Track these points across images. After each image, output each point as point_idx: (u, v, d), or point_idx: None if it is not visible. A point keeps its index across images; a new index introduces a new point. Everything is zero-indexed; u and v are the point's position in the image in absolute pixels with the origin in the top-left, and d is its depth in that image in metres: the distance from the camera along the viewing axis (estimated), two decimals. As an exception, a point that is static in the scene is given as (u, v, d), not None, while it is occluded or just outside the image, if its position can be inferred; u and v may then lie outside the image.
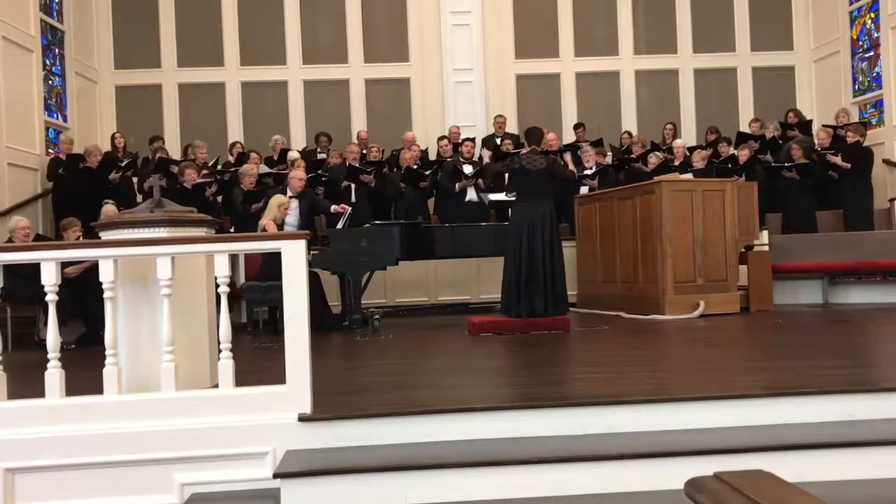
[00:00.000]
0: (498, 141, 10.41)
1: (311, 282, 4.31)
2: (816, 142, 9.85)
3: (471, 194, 9.38)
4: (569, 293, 8.77)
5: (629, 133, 11.00)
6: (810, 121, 10.76)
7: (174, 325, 3.49)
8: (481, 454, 3.21)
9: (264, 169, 9.60)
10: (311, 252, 7.15)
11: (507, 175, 8.51)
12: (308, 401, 3.43)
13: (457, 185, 9.34)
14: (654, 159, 9.70)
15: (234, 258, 6.52)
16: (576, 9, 12.02)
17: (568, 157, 9.93)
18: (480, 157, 10.03)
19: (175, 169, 8.90)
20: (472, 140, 10.01)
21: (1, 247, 3.89)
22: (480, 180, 9.35)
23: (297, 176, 8.16)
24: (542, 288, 6.61)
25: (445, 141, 10.24)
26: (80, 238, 6.98)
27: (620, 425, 3.41)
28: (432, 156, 10.36)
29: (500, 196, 8.69)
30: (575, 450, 3.22)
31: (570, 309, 8.46)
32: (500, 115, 11.00)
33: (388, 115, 11.74)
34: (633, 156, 10.18)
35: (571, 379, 4.44)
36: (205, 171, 8.97)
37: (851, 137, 9.42)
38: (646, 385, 3.87)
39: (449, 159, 9.75)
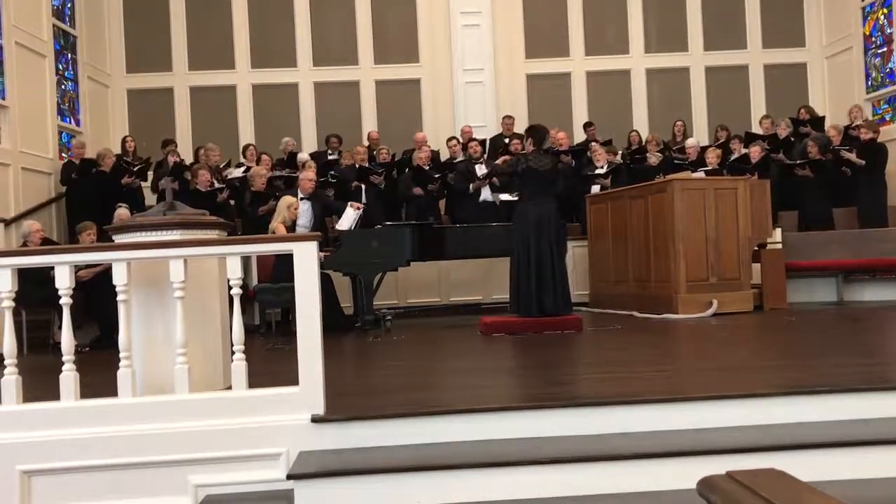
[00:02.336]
0: (507, 141, 10.39)
1: (323, 283, 4.32)
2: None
3: (485, 194, 9.35)
4: (581, 292, 8.85)
5: (637, 132, 10.95)
6: (823, 117, 10.69)
7: (187, 327, 3.51)
8: (495, 455, 3.21)
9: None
10: (323, 253, 7.16)
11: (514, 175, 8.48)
12: (321, 402, 3.44)
13: (470, 186, 9.32)
14: (653, 159, 9.70)
15: (246, 260, 6.56)
16: (586, 8, 11.99)
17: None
18: (498, 156, 10.00)
19: (189, 175, 8.94)
20: (477, 140, 10.00)
21: (16, 251, 3.93)
22: (495, 180, 9.33)
23: (308, 177, 8.17)
24: (552, 286, 6.58)
25: (455, 141, 10.23)
26: (94, 241, 7.03)
27: (633, 425, 3.40)
28: (444, 156, 10.35)
29: (509, 196, 8.68)
30: (587, 450, 3.22)
31: (583, 308, 8.49)
32: (509, 116, 10.95)
33: (398, 116, 11.74)
34: (646, 154, 10.13)
35: (584, 379, 4.43)
36: (216, 181, 8.99)
37: (865, 134, 9.35)
38: (658, 385, 3.86)
39: (460, 161, 9.74)
